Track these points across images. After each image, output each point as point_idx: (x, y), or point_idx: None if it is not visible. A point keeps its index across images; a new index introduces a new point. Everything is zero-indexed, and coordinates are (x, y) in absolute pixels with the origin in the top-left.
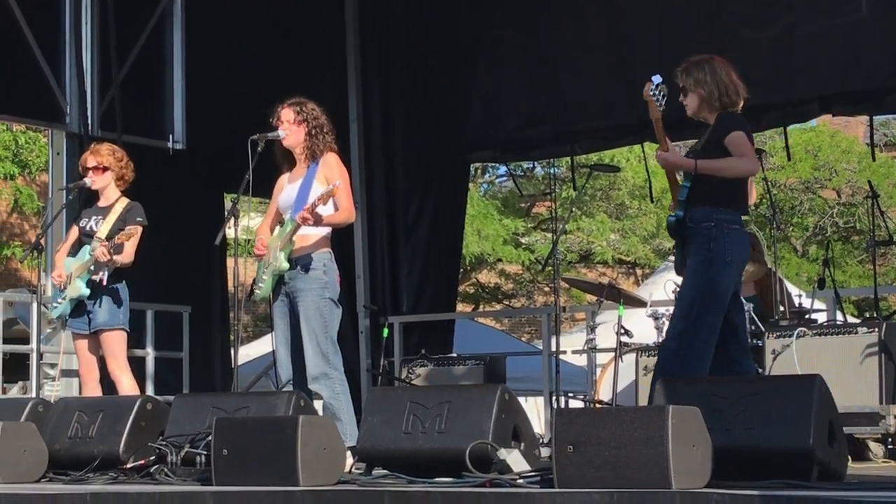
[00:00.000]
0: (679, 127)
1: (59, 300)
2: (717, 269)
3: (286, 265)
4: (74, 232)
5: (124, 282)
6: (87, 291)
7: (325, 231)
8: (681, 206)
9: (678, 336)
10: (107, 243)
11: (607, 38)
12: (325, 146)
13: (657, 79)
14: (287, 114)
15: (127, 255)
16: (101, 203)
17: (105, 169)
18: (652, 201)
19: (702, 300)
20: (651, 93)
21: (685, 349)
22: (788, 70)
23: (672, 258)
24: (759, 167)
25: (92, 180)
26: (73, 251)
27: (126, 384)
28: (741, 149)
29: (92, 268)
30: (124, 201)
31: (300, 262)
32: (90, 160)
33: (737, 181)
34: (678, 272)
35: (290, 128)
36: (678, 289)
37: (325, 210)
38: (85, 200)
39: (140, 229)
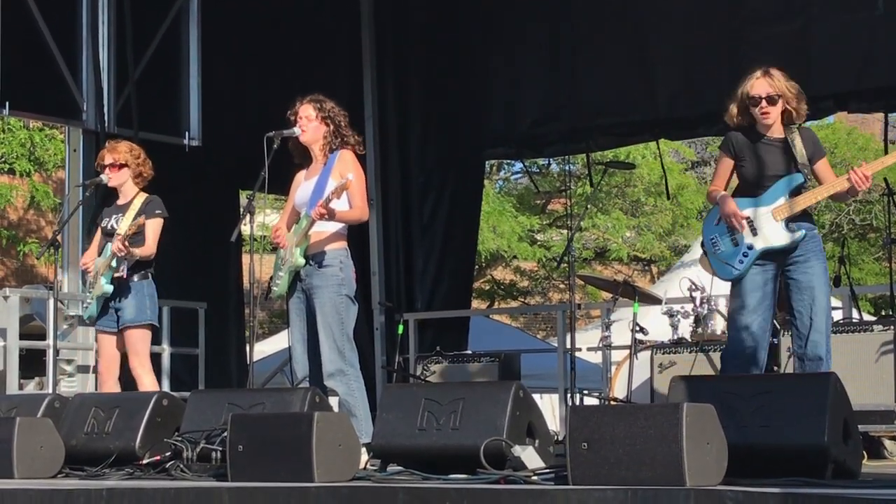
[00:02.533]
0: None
1: (89, 301)
2: None
3: (302, 261)
4: (98, 232)
5: (150, 277)
6: (109, 288)
7: (339, 227)
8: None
9: (828, 351)
10: (121, 236)
11: (623, 35)
12: (342, 143)
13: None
14: (306, 110)
15: (148, 248)
16: (120, 201)
17: (122, 166)
18: (668, 198)
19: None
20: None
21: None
22: (804, 67)
23: (687, 255)
24: None
25: (109, 177)
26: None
27: (147, 382)
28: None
29: (113, 264)
30: (142, 196)
31: (315, 258)
32: (107, 157)
33: None
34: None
35: (308, 124)
36: (698, 289)
37: (339, 205)
38: (103, 198)
39: (160, 221)
